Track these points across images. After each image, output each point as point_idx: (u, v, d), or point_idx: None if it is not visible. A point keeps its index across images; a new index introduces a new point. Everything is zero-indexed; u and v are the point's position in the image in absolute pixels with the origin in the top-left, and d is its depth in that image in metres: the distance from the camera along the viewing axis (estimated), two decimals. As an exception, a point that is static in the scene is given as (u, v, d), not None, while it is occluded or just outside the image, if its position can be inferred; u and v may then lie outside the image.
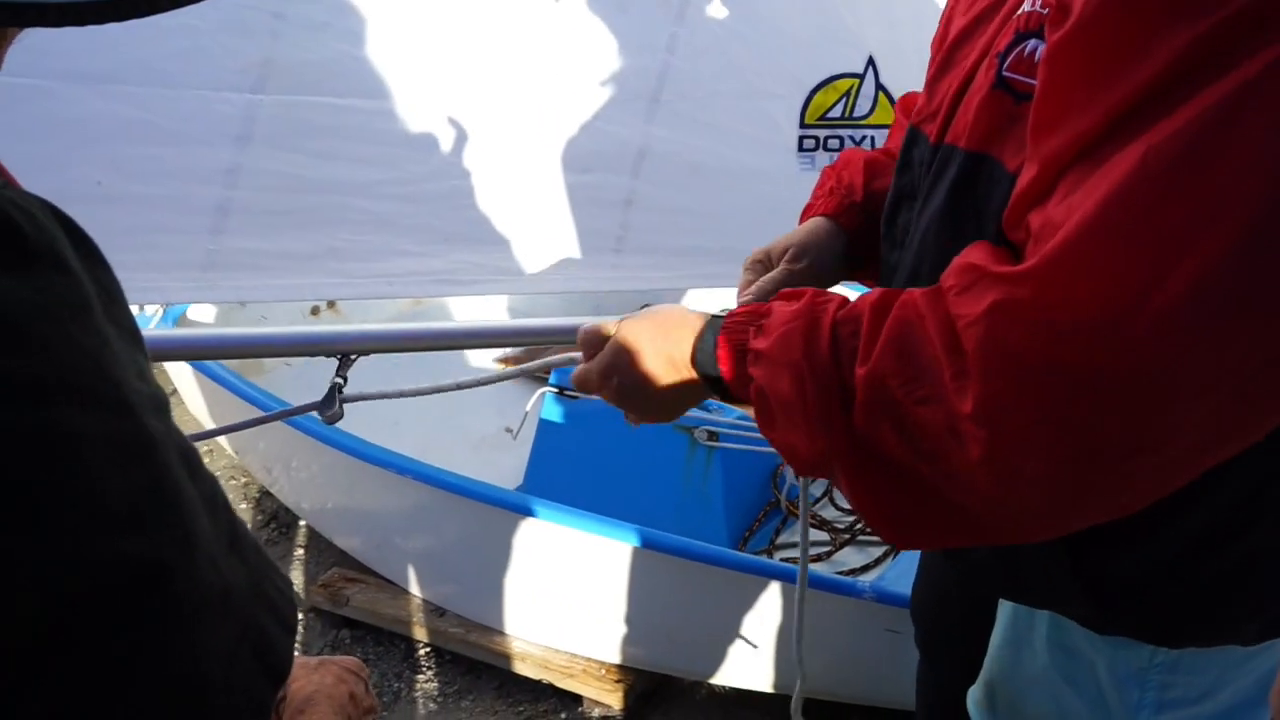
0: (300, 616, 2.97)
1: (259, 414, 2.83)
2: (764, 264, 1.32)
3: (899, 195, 1.18)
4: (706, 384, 1.05)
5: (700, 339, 1.04)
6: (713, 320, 1.05)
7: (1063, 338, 0.80)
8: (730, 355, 1.01)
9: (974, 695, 1.36)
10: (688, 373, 1.06)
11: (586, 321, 1.19)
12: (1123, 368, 0.79)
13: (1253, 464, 0.93)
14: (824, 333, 0.94)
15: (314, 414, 1.50)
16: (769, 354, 0.97)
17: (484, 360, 3.64)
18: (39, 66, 1.38)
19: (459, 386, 1.42)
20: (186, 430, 0.59)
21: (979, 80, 1.01)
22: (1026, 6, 0.96)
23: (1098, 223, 0.79)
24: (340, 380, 1.53)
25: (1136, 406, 0.80)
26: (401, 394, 1.45)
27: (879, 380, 0.89)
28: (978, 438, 0.83)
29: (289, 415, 1.52)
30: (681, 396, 1.11)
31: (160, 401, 0.55)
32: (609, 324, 1.14)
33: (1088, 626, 1.13)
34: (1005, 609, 1.29)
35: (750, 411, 1.01)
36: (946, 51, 1.11)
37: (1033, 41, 0.94)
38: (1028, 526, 0.91)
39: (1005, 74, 0.97)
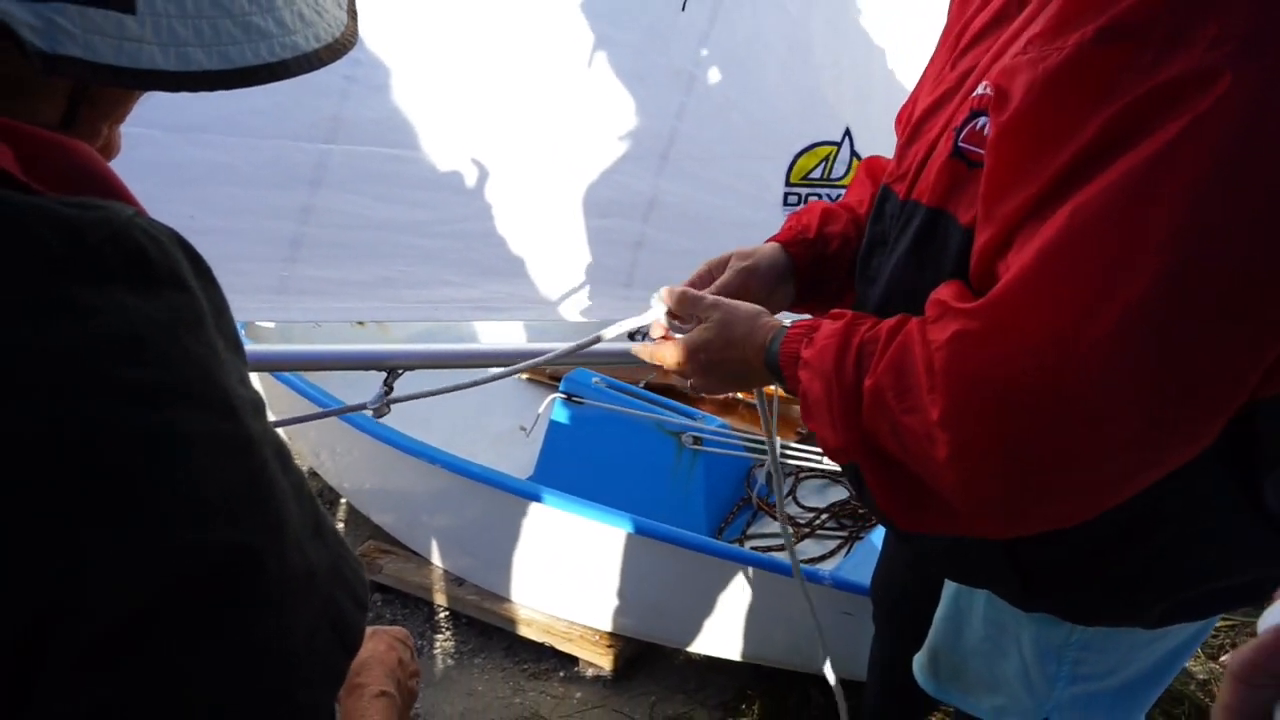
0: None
1: (311, 405, 2.84)
2: (711, 276, 1.31)
3: (872, 241, 1.19)
4: (770, 365, 1.10)
5: (772, 341, 1.10)
6: (781, 328, 1.11)
7: (1007, 363, 0.83)
8: (787, 359, 1.07)
9: (919, 661, 1.38)
10: (759, 365, 1.11)
11: (637, 345, 1.24)
12: (1054, 392, 0.81)
13: (1159, 482, 0.94)
14: (852, 350, 0.99)
15: (363, 410, 1.50)
16: (810, 362, 1.03)
17: (506, 385, 3.64)
18: (144, 117, 1.37)
19: (488, 380, 1.42)
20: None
21: (940, 149, 1.04)
22: (979, 90, 0.98)
23: (1034, 269, 0.82)
24: (387, 389, 1.53)
25: (1067, 426, 0.82)
26: (437, 392, 1.45)
27: (879, 392, 0.94)
28: (944, 440, 0.87)
29: (345, 412, 1.52)
30: (749, 380, 1.17)
31: (259, 404, 0.55)
32: (705, 296, 1.17)
33: (1016, 605, 1.16)
34: (949, 589, 1.31)
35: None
36: (914, 125, 1.13)
37: (983, 119, 0.96)
38: (992, 519, 0.93)
39: (961, 145, 0.99)
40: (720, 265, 1.32)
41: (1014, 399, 0.83)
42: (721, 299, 1.17)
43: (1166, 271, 0.77)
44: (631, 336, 1.32)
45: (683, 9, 1.98)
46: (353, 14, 0.65)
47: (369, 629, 1.05)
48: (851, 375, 0.97)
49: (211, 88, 0.55)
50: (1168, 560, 1.03)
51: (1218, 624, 2.64)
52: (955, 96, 1.05)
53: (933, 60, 1.24)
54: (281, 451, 0.55)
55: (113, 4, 0.50)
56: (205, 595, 0.48)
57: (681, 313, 1.19)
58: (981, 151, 0.93)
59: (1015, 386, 0.83)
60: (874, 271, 1.17)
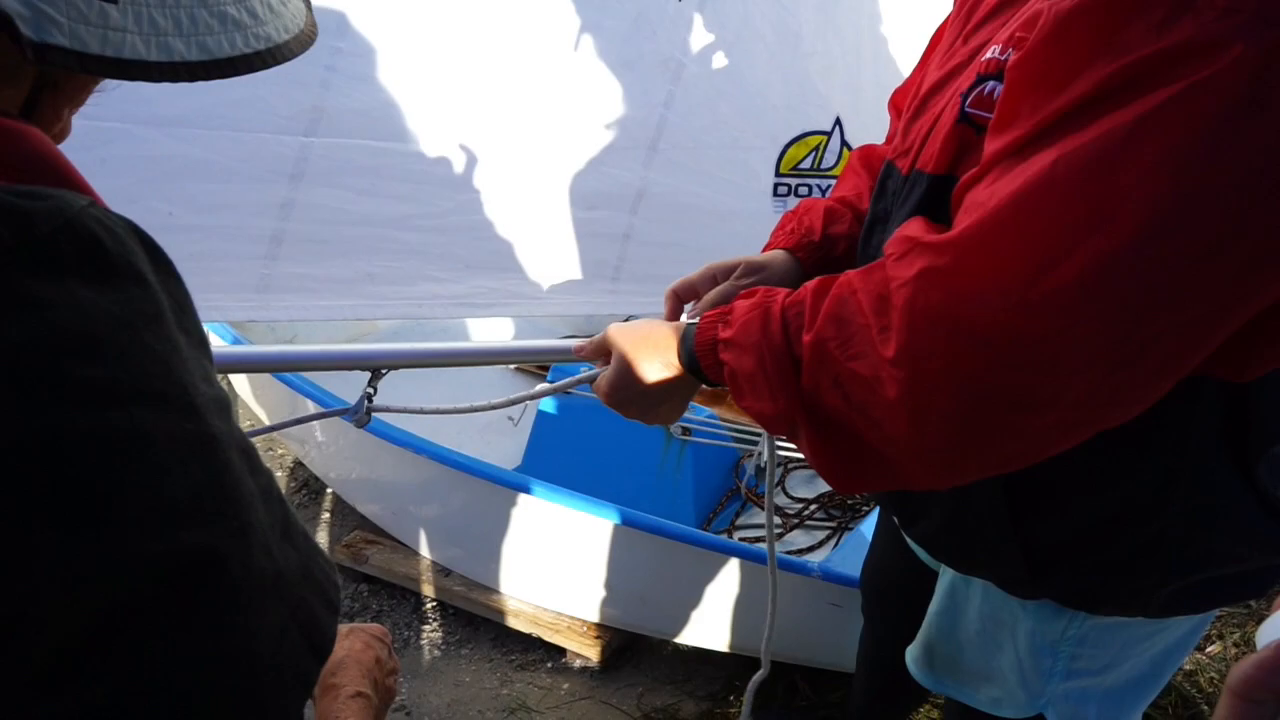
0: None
1: (298, 398, 2.81)
2: (714, 280, 1.32)
3: (874, 219, 1.18)
4: (693, 375, 1.10)
5: (682, 341, 1.10)
6: (689, 326, 1.10)
7: (971, 300, 0.83)
8: (704, 349, 1.06)
9: (913, 653, 1.38)
10: (677, 370, 1.11)
11: (576, 341, 1.24)
12: (1015, 332, 0.82)
13: (1160, 462, 0.97)
14: (776, 316, 0.99)
15: (344, 394, 1.47)
16: (734, 340, 1.03)
17: (495, 370, 3.62)
18: (121, 111, 1.34)
19: (473, 409, 1.40)
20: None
21: (945, 116, 1.03)
22: (989, 55, 0.97)
23: (1009, 210, 0.82)
24: (371, 391, 1.50)
25: (1025, 367, 0.82)
26: (422, 411, 1.42)
27: (820, 344, 0.93)
28: (896, 378, 0.87)
29: (323, 417, 1.48)
30: (676, 392, 1.15)
31: (223, 402, 0.53)
32: (605, 334, 1.18)
33: (1020, 592, 1.15)
34: (944, 580, 1.30)
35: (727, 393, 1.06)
36: (921, 99, 1.12)
37: (991, 83, 0.95)
38: (936, 467, 0.93)
39: (968, 110, 0.99)
40: (725, 271, 1.31)
41: (974, 338, 0.83)
42: (610, 330, 1.17)
43: (1140, 230, 0.77)
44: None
45: None
46: (308, 5, 0.65)
47: (345, 627, 1.04)
48: (781, 339, 0.98)
49: (192, 78, 0.55)
50: (1170, 543, 1.03)
51: (1204, 613, 2.65)
52: (966, 69, 1.04)
53: (937, 39, 1.23)
54: (248, 451, 0.54)
55: None
56: (167, 601, 0.47)
57: (599, 354, 1.21)
58: (988, 115, 0.91)
59: (977, 326, 0.83)
60: (874, 249, 1.16)
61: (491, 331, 3.29)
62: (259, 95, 1.53)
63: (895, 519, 1.30)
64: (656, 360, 1.12)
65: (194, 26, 0.55)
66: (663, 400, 1.16)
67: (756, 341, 1.00)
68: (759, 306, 1.02)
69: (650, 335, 1.14)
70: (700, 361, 1.07)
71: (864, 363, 0.90)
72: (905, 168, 1.10)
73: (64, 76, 0.59)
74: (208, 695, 0.48)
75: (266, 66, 0.59)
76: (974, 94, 0.97)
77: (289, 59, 0.62)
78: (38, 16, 0.48)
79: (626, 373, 1.14)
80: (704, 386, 1.14)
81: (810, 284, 1.00)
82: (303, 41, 0.63)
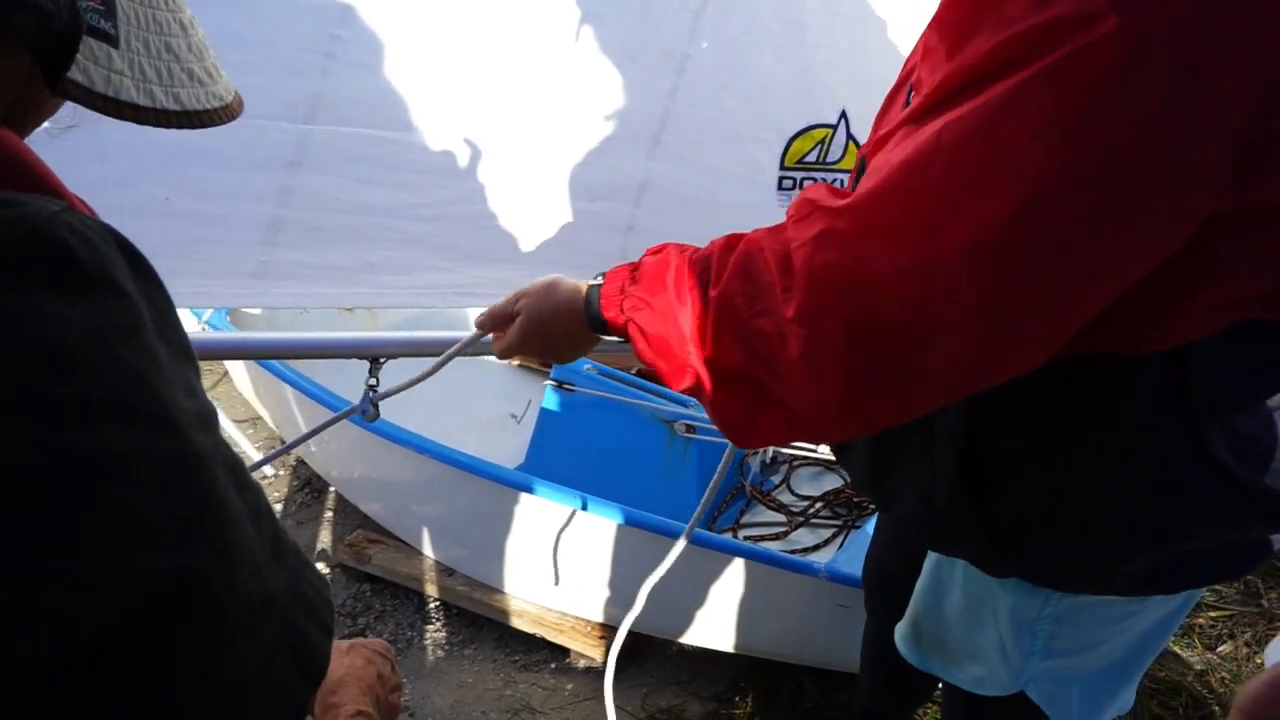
0: (327, 571, 2.93)
1: (295, 392, 2.80)
2: None
3: None
4: (595, 327, 1.14)
5: (588, 301, 1.13)
6: (593, 285, 1.14)
7: (865, 262, 0.87)
8: (612, 300, 1.10)
9: (901, 631, 1.41)
10: (582, 327, 1.15)
11: (480, 312, 1.30)
12: (905, 293, 0.86)
13: (1112, 437, 1.00)
14: (682, 270, 1.02)
15: (348, 395, 1.45)
16: (639, 293, 1.06)
17: (496, 366, 3.60)
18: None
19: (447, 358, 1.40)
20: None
21: (897, 105, 1.08)
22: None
23: (899, 176, 0.86)
24: (373, 382, 1.48)
25: (914, 326, 0.87)
26: (418, 380, 1.40)
27: (727, 299, 0.96)
28: (798, 336, 0.91)
29: (333, 423, 1.46)
30: (582, 339, 1.20)
31: (208, 417, 0.51)
32: (505, 302, 1.26)
33: (989, 570, 1.18)
34: (930, 560, 1.33)
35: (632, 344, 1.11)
36: (889, 96, 1.16)
37: None
38: (831, 419, 0.95)
39: (912, 97, 1.02)
40: None
41: (868, 299, 0.87)
42: (521, 289, 1.23)
43: (1018, 196, 0.80)
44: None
45: None
46: (235, 94, 0.72)
47: (346, 642, 1.01)
48: (681, 294, 1.00)
49: (167, 125, 0.61)
50: (1127, 518, 1.04)
51: (1213, 615, 2.62)
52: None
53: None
54: (234, 468, 0.51)
55: (104, 37, 0.55)
56: (145, 630, 0.44)
57: (496, 326, 1.27)
58: None
59: (870, 287, 0.87)
60: None
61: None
62: (258, 83, 1.51)
63: (876, 502, 1.31)
64: (564, 313, 1.17)
65: (171, 79, 0.61)
66: (570, 348, 1.22)
67: (660, 295, 1.02)
68: (664, 262, 1.05)
69: (550, 290, 1.19)
70: (604, 314, 1.11)
71: (769, 320, 0.93)
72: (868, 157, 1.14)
73: (39, 100, 0.61)
74: None
75: (218, 124, 0.66)
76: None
77: (229, 121, 0.69)
78: None
79: (536, 327, 1.20)
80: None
81: (718, 240, 1.02)
82: (232, 111, 0.70)
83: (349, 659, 0.98)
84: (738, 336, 0.95)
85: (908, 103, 1.01)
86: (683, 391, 1.05)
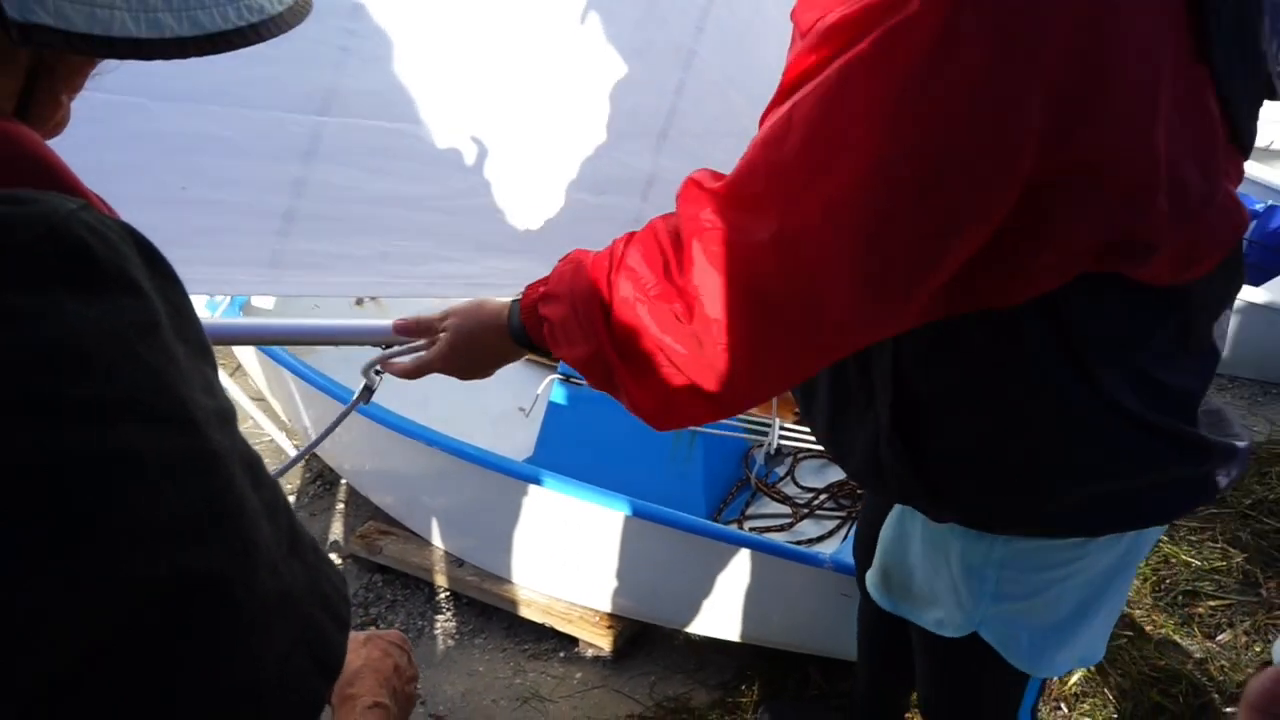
0: (339, 562, 2.95)
1: (305, 386, 2.83)
2: None
3: None
4: (519, 341, 1.20)
5: (510, 311, 1.21)
6: (515, 299, 1.21)
7: (741, 232, 0.95)
8: (527, 310, 1.16)
9: (871, 578, 1.47)
10: (507, 339, 1.21)
11: (396, 320, 1.34)
12: (776, 264, 0.93)
13: (1017, 381, 1.07)
14: (586, 268, 1.08)
15: (360, 391, 1.46)
16: (549, 292, 1.12)
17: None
18: (137, 86, 1.35)
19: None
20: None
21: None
22: None
23: (760, 154, 0.95)
24: (376, 369, 1.50)
25: (793, 295, 0.94)
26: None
27: (625, 283, 1.03)
28: (691, 307, 0.98)
29: (346, 415, 1.48)
30: (505, 352, 1.26)
31: (226, 414, 0.50)
32: (429, 316, 1.31)
33: (930, 515, 1.24)
34: (895, 509, 1.40)
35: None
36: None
37: None
38: (733, 384, 1.01)
39: None
40: None
41: (750, 265, 0.94)
42: (449, 307, 1.29)
43: (858, 169, 0.87)
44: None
45: None
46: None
47: (362, 634, 1.01)
48: (589, 287, 1.06)
49: (184, 54, 0.53)
50: (1041, 459, 1.11)
51: (1212, 604, 2.62)
52: None
53: None
54: (252, 464, 0.51)
55: None
56: (164, 627, 0.44)
57: (421, 333, 1.31)
58: None
59: (751, 254, 0.94)
60: None
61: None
62: (273, 74, 1.53)
63: (835, 459, 1.37)
64: (490, 329, 1.22)
65: (184, 0, 0.53)
66: (493, 361, 1.29)
67: (568, 290, 1.08)
68: (571, 261, 1.12)
69: (477, 308, 1.25)
70: (525, 324, 1.16)
71: (665, 291, 1.00)
72: None
73: (58, 59, 0.56)
74: None
75: (261, 39, 0.57)
76: None
77: (283, 31, 0.59)
78: None
79: (464, 345, 1.25)
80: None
81: (621, 237, 1.09)
82: (297, 12, 0.60)
83: (366, 650, 0.99)
84: (637, 317, 1.01)
85: None
86: (596, 384, 1.11)
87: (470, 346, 1.25)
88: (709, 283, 0.96)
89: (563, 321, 1.09)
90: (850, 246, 0.91)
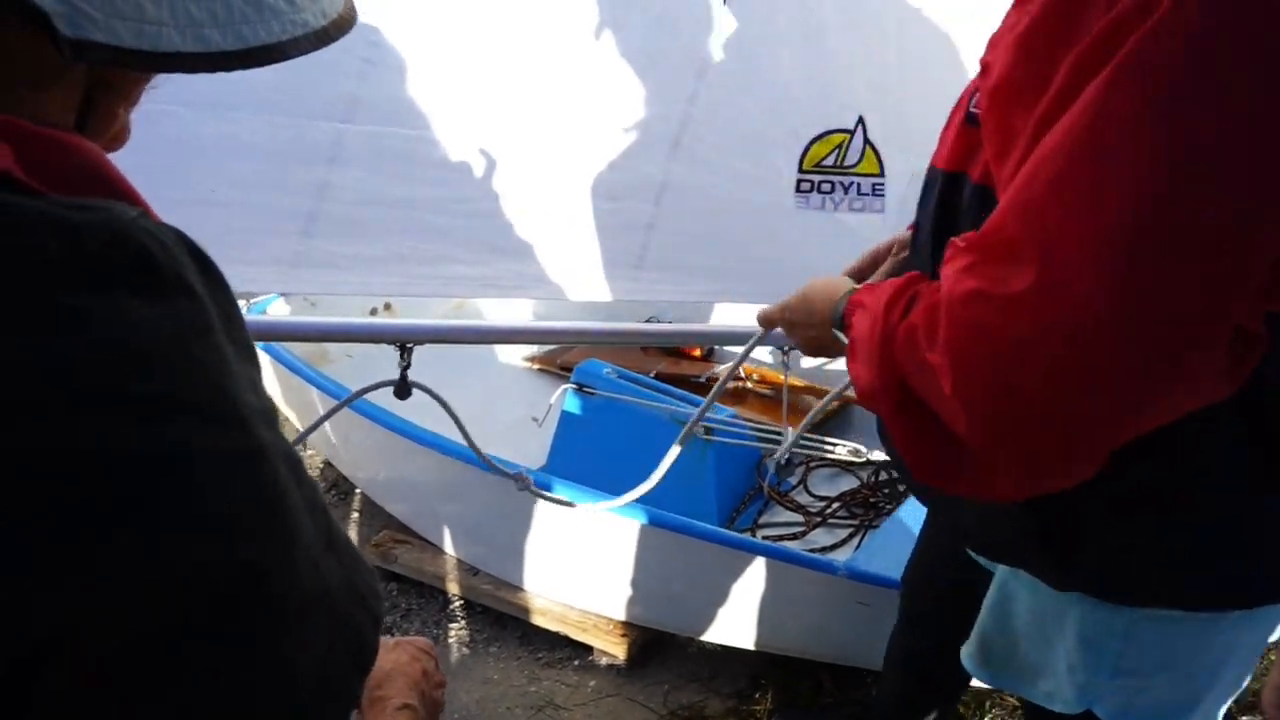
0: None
1: (325, 398, 2.89)
2: (876, 260, 1.45)
3: (915, 224, 1.27)
4: (835, 325, 1.20)
5: (840, 300, 1.19)
6: (852, 289, 1.19)
7: (996, 284, 0.86)
8: (850, 307, 1.13)
9: (968, 650, 1.37)
10: (828, 321, 1.21)
11: (761, 308, 1.42)
12: (1034, 310, 0.83)
13: (1169, 444, 0.95)
14: (906, 296, 1.01)
15: (374, 398, 1.53)
16: (866, 304, 1.07)
17: (513, 359, 3.69)
18: (170, 94, 1.42)
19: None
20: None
21: (957, 117, 1.11)
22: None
23: (1015, 198, 0.86)
24: (405, 364, 1.57)
25: (1047, 343, 0.83)
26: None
27: (913, 330, 0.96)
28: (945, 372, 0.89)
29: (367, 392, 1.55)
30: (823, 335, 1.25)
31: (270, 413, 0.53)
32: (776, 306, 1.37)
33: (1051, 583, 1.15)
34: (998, 575, 1.30)
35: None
36: (954, 108, 1.17)
37: None
38: (1011, 472, 0.95)
39: (971, 109, 1.06)
40: (885, 250, 1.44)
41: (1004, 320, 0.85)
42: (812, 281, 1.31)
43: (1127, 195, 0.79)
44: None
45: None
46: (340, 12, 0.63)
47: (391, 640, 1.02)
48: (897, 317, 1.00)
49: (229, 68, 0.55)
50: (1190, 528, 1.03)
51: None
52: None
53: None
54: (294, 462, 0.54)
55: None
56: (211, 617, 0.47)
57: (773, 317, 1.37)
58: None
59: (1005, 308, 0.85)
60: (915, 246, 1.24)
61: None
62: (300, 82, 1.62)
63: (933, 513, 1.32)
64: (822, 304, 1.24)
65: (230, 16, 0.54)
66: (819, 338, 1.28)
67: (878, 311, 1.02)
68: (900, 284, 1.04)
69: (829, 283, 1.27)
70: (843, 319, 1.15)
71: (935, 354, 0.92)
72: (934, 164, 1.18)
73: (115, 75, 0.58)
74: (249, 715, 0.49)
75: (303, 53, 0.58)
76: (978, 95, 1.01)
77: (326, 45, 0.60)
78: (73, 13, 0.48)
79: (799, 301, 1.30)
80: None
81: (916, 276, 1.04)
82: (341, 25, 0.61)
83: (395, 654, 1.00)
84: (917, 369, 0.95)
85: (969, 114, 1.06)
86: (871, 407, 1.07)
87: (802, 304, 1.29)
88: (958, 343, 0.88)
89: (861, 337, 1.05)
90: (1118, 285, 0.80)
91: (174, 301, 0.48)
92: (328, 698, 0.54)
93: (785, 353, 2.34)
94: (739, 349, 1.63)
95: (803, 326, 1.30)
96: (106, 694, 0.46)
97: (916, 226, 1.25)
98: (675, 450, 1.56)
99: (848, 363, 1.09)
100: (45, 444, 0.43)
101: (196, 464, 0.46)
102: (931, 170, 1.20)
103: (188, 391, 0.47)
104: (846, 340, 1.13)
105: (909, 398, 0.97)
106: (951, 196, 1.10)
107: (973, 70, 1.10)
